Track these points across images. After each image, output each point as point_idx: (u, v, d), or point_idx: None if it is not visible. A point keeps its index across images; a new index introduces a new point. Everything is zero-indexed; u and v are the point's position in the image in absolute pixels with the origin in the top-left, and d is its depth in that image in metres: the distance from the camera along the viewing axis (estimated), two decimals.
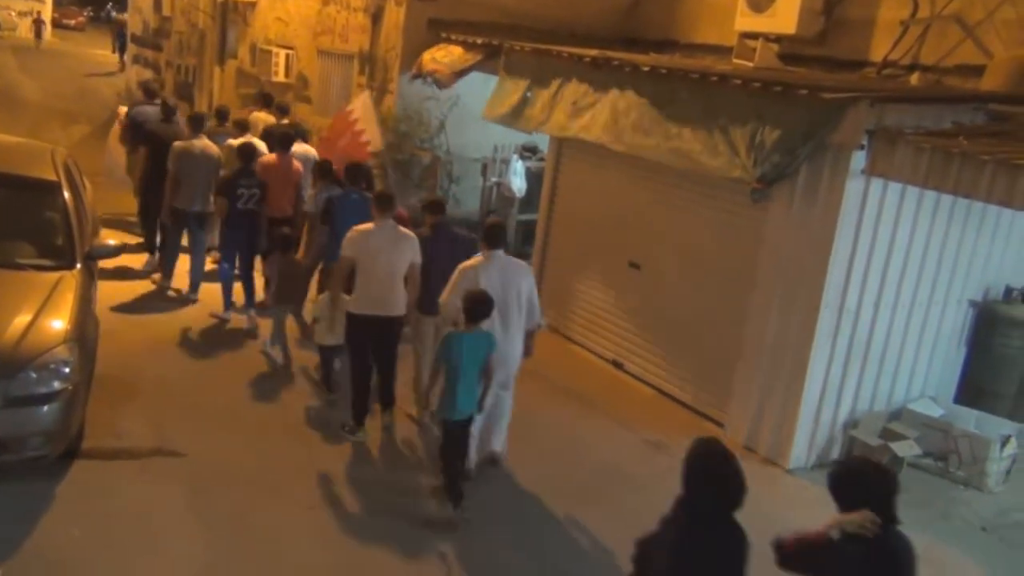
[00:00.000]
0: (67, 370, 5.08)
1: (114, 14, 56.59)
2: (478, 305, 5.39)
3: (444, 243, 6.45)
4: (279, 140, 8.75)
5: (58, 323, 5.25)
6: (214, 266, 9.06)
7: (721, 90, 6.77)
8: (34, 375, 4.96)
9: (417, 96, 10.80)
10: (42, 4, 39.01)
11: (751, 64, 8.88)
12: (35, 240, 6.03)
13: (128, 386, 6.77)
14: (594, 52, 8.17)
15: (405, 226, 6.26)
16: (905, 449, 6.75)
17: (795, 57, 8.90)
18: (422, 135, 10.84)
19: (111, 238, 6.78)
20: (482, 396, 5.50)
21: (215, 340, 7.97)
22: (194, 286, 8.85)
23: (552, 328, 9.01)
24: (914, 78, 7.95)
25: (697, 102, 6.94)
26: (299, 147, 9.31)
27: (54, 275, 5.66)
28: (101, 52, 32.86)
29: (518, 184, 10.41)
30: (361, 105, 9.95)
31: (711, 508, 3.33)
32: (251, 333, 8.08)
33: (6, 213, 6.21)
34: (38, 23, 37.09)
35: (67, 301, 5.45)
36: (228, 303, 8.37)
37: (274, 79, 13.66)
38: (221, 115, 10.47)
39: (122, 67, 26.85)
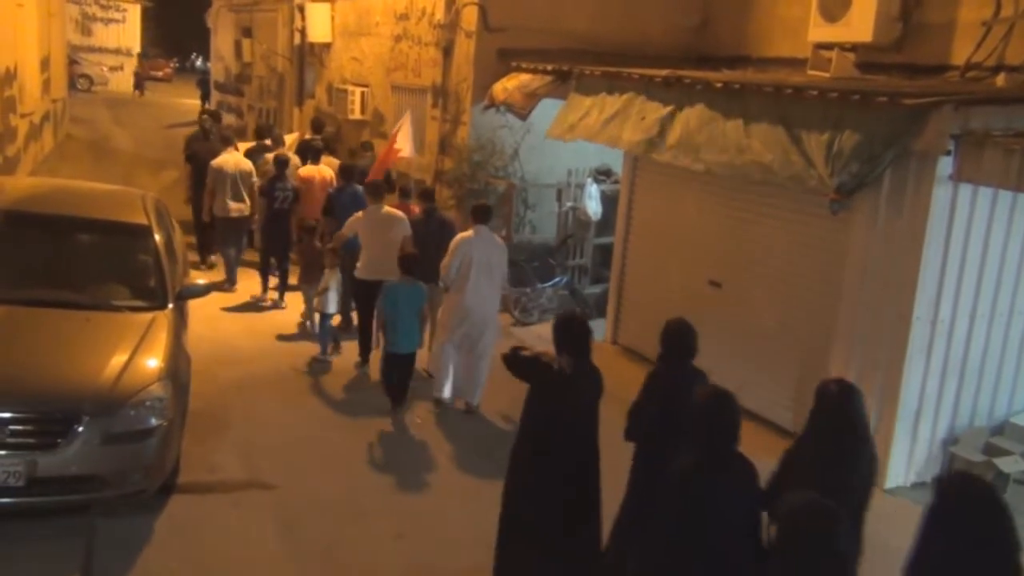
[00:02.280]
0: (163, 406, 5.25)
1: (198, 63, 58.87)
2: (410, 262, 7.26)
3: (434, 225, 8.25)
4: (310, 153, 11.01)
5: (153, 362, 5.43)
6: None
7: (796, 102, 6.66)
8: (132, 412, 5.14)
9: (489, 125, 10.90)
10: (131, 57, 40.80)
11: (827, 75, 8.71)
12: (129, 282, 6.26)
13: (219, 420, 6.96)
14: (665, 72, 8.13)
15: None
16: (1010, 465, 6.46)
17: (873, 65, 8.70)
18: (496, 164, 10.92)
19: (200, 277, 7.01)
20: (421, 335, 7.34)
21: (294, 374, 8.17)
22: (231, 280, 10.62)
23: (630, 349, 8.93)
24: (1000, 79, 7.68)
25: (771, 115, 6.84)
26: (325, 159, 11.02)
27: (147, 315, 5.87)
28: (188, 101, 34.21)
29: (594, 208, 10.39)
30: (403, 120, 11.08)
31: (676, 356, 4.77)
32: (277, 306, 10.03)
33: (102, 257, 6.48)
34: (138, 77, 38.81)
35: (160, 340, 5.64)
36: (265, 287, 10.23)
37: (351, 117, 13.97)
38: (261, 133, 12.61)
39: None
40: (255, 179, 10.58)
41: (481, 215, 7.57)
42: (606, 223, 10.41)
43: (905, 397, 6.40)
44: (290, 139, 12.76)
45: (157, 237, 6.51)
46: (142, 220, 6.65)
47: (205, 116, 12.28)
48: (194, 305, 6.99)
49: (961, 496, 3.18)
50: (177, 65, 56.40)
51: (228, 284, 10.52)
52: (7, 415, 4.93)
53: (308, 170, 10.65)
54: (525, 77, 10.36)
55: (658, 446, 4.56)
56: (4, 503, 4.92)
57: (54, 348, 5.41)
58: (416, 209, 8.58)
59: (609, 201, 10.36)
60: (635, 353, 8.94)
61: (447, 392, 7.59)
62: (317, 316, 8.61)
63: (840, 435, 3.99)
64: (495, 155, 10.91)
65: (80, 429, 4.98)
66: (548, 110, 10.19)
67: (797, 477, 3.91)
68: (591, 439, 4.67)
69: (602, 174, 10.98)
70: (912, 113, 5.95)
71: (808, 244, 7.15)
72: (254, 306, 10.01)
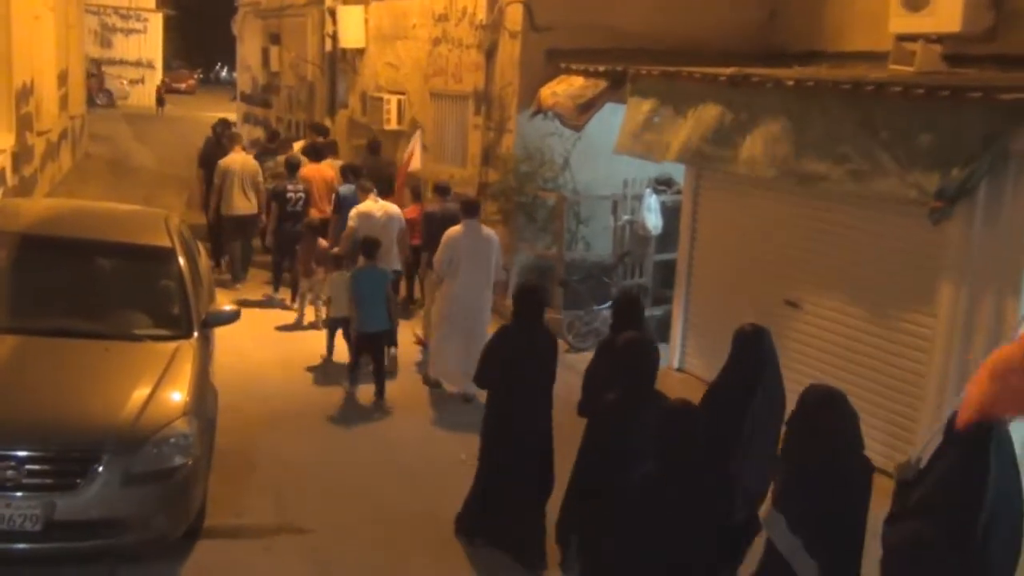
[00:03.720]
0: (188, 444, 5.29)
1: (223, 74, 59.97)
2: (371, 247, 8.62)
3: (449, 218, 9.26)
4: (315, 153, 12.26)
5: (177, 395, 5.48)
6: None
7: (879, 100, 6.55)
8: (155, 451, 5.18)
9: (537, 133, 10.92)
10: (153, 70, 41.72)
11: (911, 69, 8.57)
12: (151, 309, 6.35)
13: (248, 459, 7.02)
14: (730, 70, 8.06)
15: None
16: None
17: (962, 57, 8.54)
18: (545, 175, 10.93)
19: (227, 303, 7.09)
20: (390, 315, 8.60)
21: (326, 409, 8.24)
22: (236, 276, 11.82)
23: (698, 377, 8.82)
24: None
25: (851, 116, 6.74)
26: (328, 161, 12.17)
27: (171, 345, 5.93)
28: (212, 115, 34.96)
29: (653, 221, 10.32)
30: (414, 140, 12.58)
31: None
32: (287, 307, 10.97)
33: (122, 282, 6.59)
34: (160, 92, 39.64)
35: (185, 372, 5.69)
36: (277, 286, 11.36)
37: (386, 127, 14.10)
38: (271, 138, 14.20)
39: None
40: (261, 179, 11.81)
41: (469, 210, 8.72)
42: (667, 238, 10.33)
43: None
44: (297, 146, 13.59)
45: (181, 261, 6.60)
46: (165, 242, 6.74)
47: (216, 123, 13.72)
48: (220, 333, 7.06)
49: (812, 401, 4.19)
50: (201, 76, 57.51)
51: (233, 280, 11.71)
52: (22, 454, 4.99)
53: (309, 170, 11.72)
54: (576, 80, 10.36)
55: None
56: (19, 549, 4.97)
57: (72, 381, 5.48)
58: (416, 209, 10.35)
59: (670, 213, 10.28)
60: (703, 382, 8.81)
61: (442, 374, 8.69)
62: (312, 310, 10.27)
63: (754, 370, 5.05)
64: (544, 165, 10.91)
65: (100, 469, 5.02)
66: (600, 115, 10.19)
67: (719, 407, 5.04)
68: (546, 402, 5.92)
69: (662, 184, 10.91)
70: (1009, 109, 5.81)
71: (896, 258, 7.00)
72: (285, 331, 10.21)
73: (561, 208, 10.70)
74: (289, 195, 11.16)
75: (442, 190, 10.17)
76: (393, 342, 9.22)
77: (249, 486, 6.63)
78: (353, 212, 9.72)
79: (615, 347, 5.22)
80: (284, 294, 11.23)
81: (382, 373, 8.58)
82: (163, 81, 41.58)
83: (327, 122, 16.95)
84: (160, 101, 38.84)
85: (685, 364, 9.25)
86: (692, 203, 9.24)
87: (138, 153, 24.61)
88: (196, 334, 6.15)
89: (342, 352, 9.09)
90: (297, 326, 10.46)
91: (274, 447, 7.32)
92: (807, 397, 4.23)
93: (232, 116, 24.83)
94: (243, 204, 11.76)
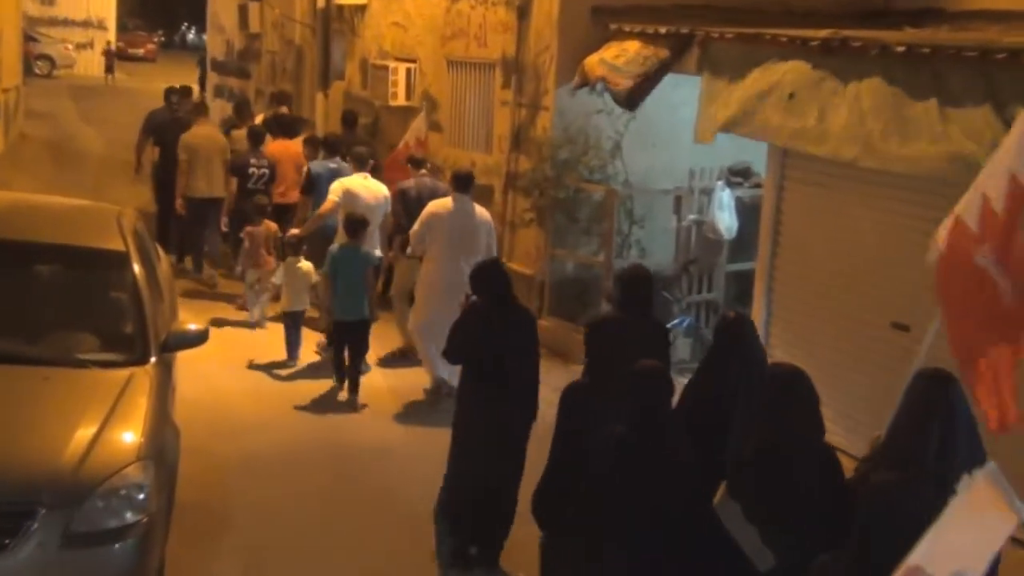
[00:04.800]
0: (142, 496, 5.30)
1: (191, 36, 60.51)
2: (356, 225, 9.29)
3: (426, 194, 9.96)
4: (281, 127, 12.90)
5: (129, 436, 5.51)
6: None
7: (1010, 69, 6.52)
8: (101, 504, 5.19)
9: (582, 111, 10.94)
10: (104, 31, 42.19)
11: None
12: (99, 328, 6.39)
13: (216, 515, 7.05)
14: (824, 32, 8.06)
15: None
16: None
17: None
18: (590, 163, 10.94)
19: (193, 321, 7.14)
20: (370, 304, 9.30)
21: (313, 447, 8.33)
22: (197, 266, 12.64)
23: None
24: None
25: (976, 90, 6.71)
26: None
27: (123, 373, 5.96)
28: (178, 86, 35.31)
29: (726, 222, 10.30)
30: (419, 119, 12.91)
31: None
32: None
33: (63, 295, 6.65)
34: (109, 56, 40.04)
35: (139, 407, 5.71)
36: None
37: (392, 103, 14.17)
38: (238, 110, 14.78)
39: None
40: (230, 158, 12.50)
41: (462, 184, 9.34)
42: (743, 242, 10.31)
43: None
44: (259, 118, 14.31)
45: (136, 268, 6.63)
46: (117, 245, 6.78)
47: (170, 90, 14.45)
48: (184, 357, 7.11)
49: (771, 382, 4.90)
50: (163, 40, 58.02)
51: (196, 272, 12.56)
52: None
53: (276, 146, 12.49)
54: (629, 46, 10.37)
55: None
56: None
57: (1, 417, 5.49)
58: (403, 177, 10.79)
59: (748, 212, 10.26)
60: None
61: (444, 372, 9.00)
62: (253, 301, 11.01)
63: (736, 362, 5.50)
64: (589, 151, 10.93)
65: (34, 527, 5.04)
66: (659, 88, 10.18)
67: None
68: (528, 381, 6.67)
69: (737, 175, 10.89)
70: None
71: None
72: (261, 357, 10.30)
73: (611, 205, 10.71)
74: (251, 170, 11.88)
75: (416, 162, 10.80)
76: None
77: (218, 548, 6.66)
78: (336, 185, 10.25)
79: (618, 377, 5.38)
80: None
81: (358, 369, 9.33)
82: (111, 44, 41.93)
83: (319, 97, 17.06)
84: (109, 68, 39.19)
85: None
86: (775, 199, 9.21)
87: (84, 134, 24.87)
88: (154, 359, 6.17)
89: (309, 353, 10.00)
90: (247, 324, 11.09)
91: (249, 498, 7.35)
92: (766, 377, 4.89)
93: (196, 88, 25.06)
94: (211, 185, 12.44)
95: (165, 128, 13.35)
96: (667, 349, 6.37)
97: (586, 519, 4.90)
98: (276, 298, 10.66)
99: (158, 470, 5.50)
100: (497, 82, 12.27)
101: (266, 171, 12.02)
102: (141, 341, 6.25)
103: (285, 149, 12.52)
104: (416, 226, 9.32)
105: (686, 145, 10.61)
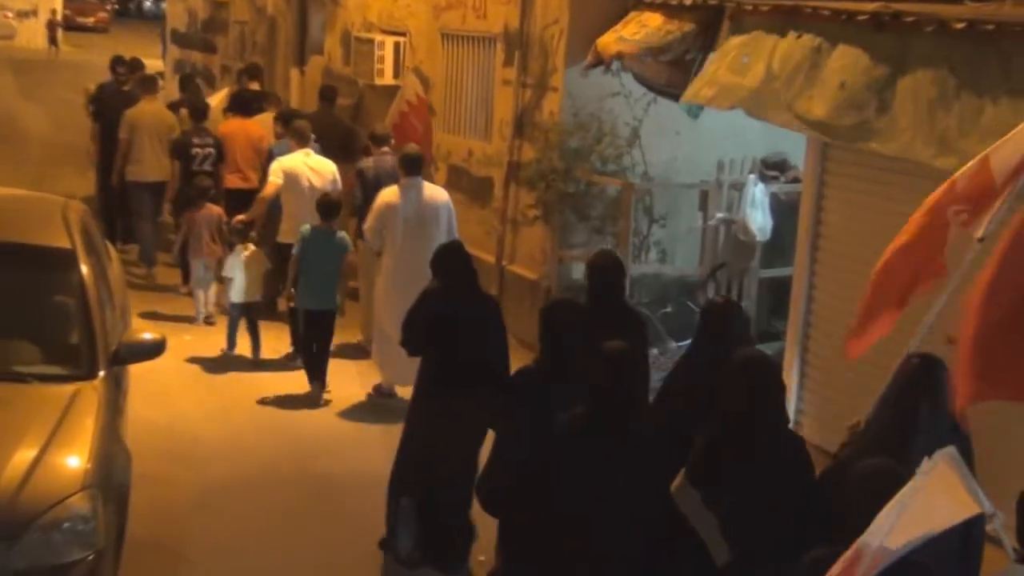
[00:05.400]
0: (88, 530, 5.28)
1: (148, 2, 60.57)
2: (330, 207, 9.85)
3: (386, 174, 10.42)
4: (238, 104, 13.09)
5: (74, 461, 5.50)
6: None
7: None
8: (41, 539, 5.17)
9: (595, 94, 10.94)
10: None
11: None
12: (40, 338, 6.39)
13: (171, 553, 7.02)
14: (873, 5, 8.04)
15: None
16: None
17: None
18: (604, 152, 10.93)
19: (148, 329, 7.12)
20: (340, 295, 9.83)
21: (285, 474, 8.35)
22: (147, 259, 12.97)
23: (817, 446, 8.75)
24: None
25: None
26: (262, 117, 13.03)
27: (67, 388, 5.95)
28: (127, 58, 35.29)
29: (759, 221, 10.29)
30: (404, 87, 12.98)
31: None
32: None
33: (1, 299, 6.58)
34: (53, 26, 40.08)
35: (86, 427, 5.70)
36: (187, 275, 12.06)
37: (378, 81, 14.19)
38: (184, 85, 15.46)
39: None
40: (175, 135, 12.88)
41: (411, 166, 9.73)
42: (779, 245, 10.29)
43: None
44: (218, 96, 14.69)
45: (84, 269, 6.62)
46: (62, 242, 6.78)
47: (117, 60, 14.93)
48: (137, 371, 7.10)
49: (736, 363, 5.31)
50: (117, 8, 58.09)
51: (144, 262, 12.91)
52: None
53: (231, 125, 12.84)
54: (651, 19, 10.35)
55: None
56: None
57: None
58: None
59: (784, 210, 10.25)
60: (824, 452, 8.75)
61: (400, 377, 9.44)
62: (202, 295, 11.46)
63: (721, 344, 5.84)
64: (603, 139, 10.92)
65: None
66: (686, 67, 10.17)
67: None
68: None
69: (772, 168, 10.88)
70: None
71: None
72: (222, 365, 10.52)
73: (628, 200, 10.69)
74: (194, 150, 12.21)
75: (379, 138, 11.20)
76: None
77: None
78: (275, 166, 10.75)
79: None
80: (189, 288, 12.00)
81: (325, 361, 9.85)
82: (56, 12, 41.95)
83: (295, 73, 17.06)
84: (53, 39, 39.24)
85: (801, 425, 9.18)
86: (815, 196, 9.19)
87: (25, 113, 24.87)
88: (103, 373, 6.16)
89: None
90: (195, 320, 11.54)
91: (211, 533, 7.33)
92: (732, 358, 5.30)
93: (158, 63, 25.08)
94: (157, 168, 12.79)
95: (110, 103, 13.61)
96: (643, 338, 6.92)
97: (540, 509, 5.28)
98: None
99: (106, 500, 5.49)
100: (498, 59, 12.27)
101: (211, 151, 12.26)
102: (88, 352, 6.23)
103: (241, 128, 12.68)
104: (369, 220, 9.71)
105: (714, 133, 10.62)
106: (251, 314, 10.69)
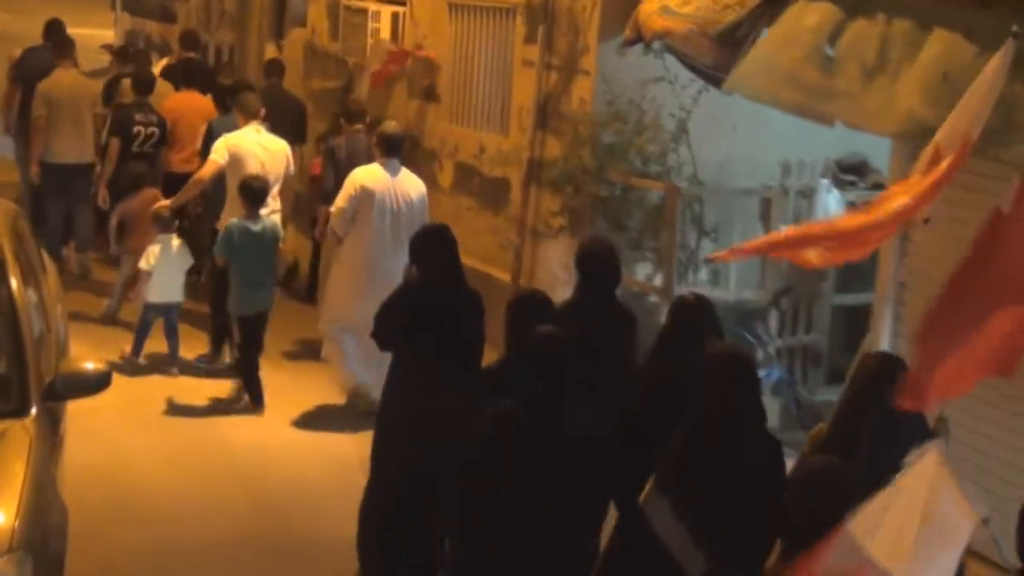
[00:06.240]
0: None
1: None
2: (256, 192, 10.18)
3: (358, 153, 11.00)
4: (186, 75, 13.66)
5: None
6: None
7: None
8: None
9: (634, 78, 10.92)
10: None
11: None
12: None
13: None
14: None
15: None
16: None
17: None
18: (646, 149, 10.91)
19: (88, 358, 7.08)
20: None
21: (246, 535, 8.36)
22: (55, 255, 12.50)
23: None
24: None
25: None
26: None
27: None
28: (78, 32, 35.41)
29: None
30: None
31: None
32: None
33: None
34: None
35: (14, 476, 5.69)
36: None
37: (372, 62, 14.15)
38: (123, 55, 15.51)
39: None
40: (101, 111, 13.28)
41: (392, 146, 10.21)
42: (856, 265, 10.18)
43: None
44: (158, 67, 15.10)
45: (14, 283, 6.66)
46: None
47: (54, 25, 15.19)
48: (76, 409, 7.13)
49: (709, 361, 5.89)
50: None
51: (54, 257, 12.04)
52: None
53: (177, 100, 13.35)
54: None
55: None
56: None
57: None
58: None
59: None
60: None
61: (363, 376, 10.06)
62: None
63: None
64: (644, 133, 10.90)
65: None
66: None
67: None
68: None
69: (849, 171, 10.86)
70: None
71: None
72: (169, 394, 10.59)
73: (673, 208, 10.65)
74: (137, 128, 12.56)
75: (352, 114, 11.86)
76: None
77: None
78: (220, 143, 10.99)
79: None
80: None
81: (254, 366, 10.33)
82: None
83: (271, 49, 17.04)
84: None
85: None
86: None
87: None
88: (35, 410, 6.18)
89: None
90: (109, 319, 12.03)
91: None
92: (706, 355, 5.86)
93: (108, 35, 25.08)
94: (74, 147, 12.97)
95: (39, 74, 13.64)
96: (632, 336, 7.52)
97: (468, 515, 5.80)
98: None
99: (37, 564, 5.47)
100: (518, 35, 12.26)
101: (155, 130, 12.62)
102: (18, 385, 6.26)
103: (190, 103, 13.03)
104: (341, 202, 10.20)
105: (778, 129, 10.58)
106: (171, 317, 11.05)
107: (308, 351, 11.65)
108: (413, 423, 7.37)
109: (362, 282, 10.04)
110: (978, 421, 8.20)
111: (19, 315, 6.50)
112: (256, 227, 10.19)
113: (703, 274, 11.02)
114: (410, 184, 10.35)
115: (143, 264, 10.90)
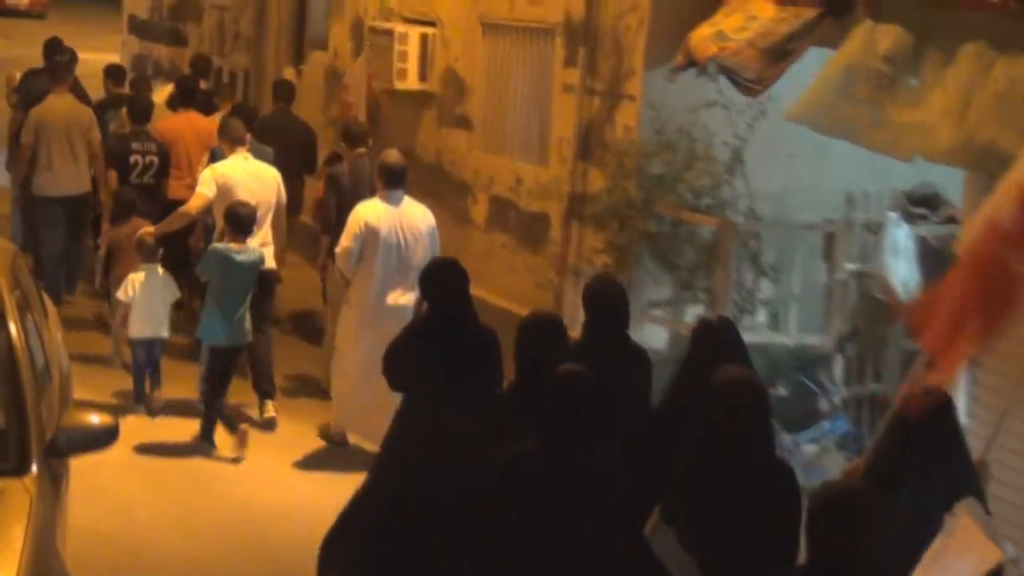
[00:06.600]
0: None
1: None
2: (241, 219, 10.32)
3: (364, 182, 11.19)
4: (183, 94, 13.65)
5: None
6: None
7: None
8: None
9: (684, 103, 10.90)
10: None
11: None
12: None
13: None
14: None
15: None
16: None
17: None
18: (697, 181, 10.87)
19: (93, 412, 7.04)
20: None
21: None
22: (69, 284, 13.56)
23: None
24: None
25: None
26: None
27: None
28: (86, 57, 35.62)
29: (903, 274, 10.19)
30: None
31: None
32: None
33: None
34: None
35: (13, 539, 5.61)
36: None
37: (399, 86, 14.21)
38: (112, 75, 15.92)
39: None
40: (97, 137, 13.32)
41: (394, 177, 10.37)
42: None
43: None
44: (163, 92, 15.20)
45: (13, 329, 6.64)
46: None
47: (53, 45, 15.36)
48: (80, 466, 7.09)
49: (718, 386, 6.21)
50: None
51: (54, 298, 12.20)
52: None
53: (173, 123, 13.42)
54: (760, 7, 10.31)
55: None
56: None
57: None
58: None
59: (936, 260, 10.13)
60: None
61: (357, 428, 10.38)
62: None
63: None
64: (695, 164, 10.87)
65: None
66: (800, 71, 10.06)
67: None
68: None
69: (919, 203, 10.80)
70: None
71: None
72: (175, 447, 10.57)
73: (727, 245, 10.60)
74: (134, 158, 12.53)
75: (354, 137, 11.90)
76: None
77: None
78: (207, 174, 11.23)
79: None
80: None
81: (218, 401, 10.50)
82: None
83: (289, 74, 17.10)
84: None
85: None
86: None
87: None
88: (36, 468, 6.13)
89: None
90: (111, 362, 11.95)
91: None
92: (714, 379, 6.13)
93: (113, 58, 25.24)
94: (68, 178, 13.09)
95: (37, 99, 13.79)
96: (646, 376, 7.79)
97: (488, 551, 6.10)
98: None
99: None
100: (557, 57, 12.27)
101: (154, 159, 12.70)
102: (18, 441, 6.20)
103: (189, 124, 13.10)
104: (346, 241, 10.30)
105: (842, 157, 10.53)
106: (152, 352, 11.15)
107: (305, 387, 11.90)
108: (423, 449, 7.56)
109: (370, 322, 10.14)
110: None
111: (19, 365, 6.46)
112: (239, 256, 10.41)
113: (760, 316, 10.95)
114: (417, 215, 10.49)
115: (121, 295, 11.01)
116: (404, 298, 10.09)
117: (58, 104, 13.30)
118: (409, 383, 7.85)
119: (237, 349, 10.62)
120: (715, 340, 7.15)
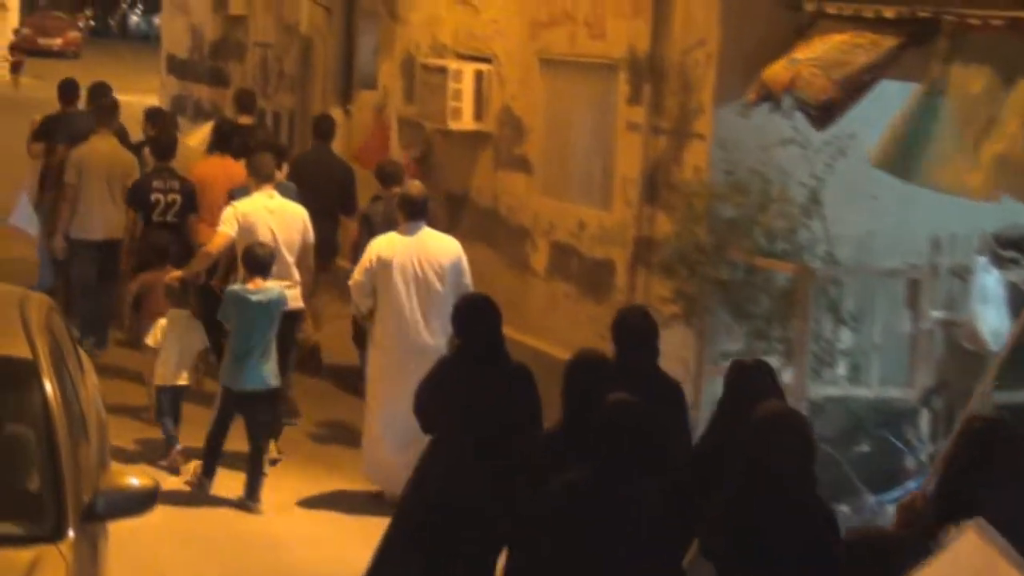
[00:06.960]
0: None
1: (135, 18, 61.80)
2: (259, 258, 10.65)
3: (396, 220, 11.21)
4: (219, 139, 13.96)
5: None
6: None
7: None
8: None
9: (757, 142, 10.93)
10: (4, 13, 43.29)
11: None
12: None
13: None
14: None
15: None
16: None
17: None
18: (772, 225, 10.87)
19: (132, 473, 7.12)
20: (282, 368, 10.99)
21: None
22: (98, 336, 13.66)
23: None
24: None
25: None
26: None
27: (24, 554, 5.93)
28: (126, 100, 35.78)
29: (993, 323, 10.18)
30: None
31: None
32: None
33: None
34: (17, 49, 41.13)
35: None
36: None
37: (453, 126, 14.31)
38: (153, 119, 15.98)
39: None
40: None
41: (415, 209, 10.73)
42: (1022, 357, 10.16)
43: None
44: (200, 133, 15.75)
45: (48, 387, 6.65)
46: (19, 351, 6.83)
47: (100, 88, 15.68)
48: (119, 531, 7.15)
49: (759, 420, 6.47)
50: (93, 25, 59.50)
51: (96, 345, 12.97)
52: None
53: (208, 165, 13.74)
54: (839, 39, 10.35)
55: None
56: None
57: None
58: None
59: None
60: None
61: (385, 481, 10.53)
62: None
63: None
64: (770, 206, 10.86)
65: None
66: (880, 105, 10.10)
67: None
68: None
69: (1010, 246, 10.77)
70: None
71: None
72: (217, 507, 10.62)
73: (805, 292, 10.60)
74: (155, 196, 13.03)
75: (388, 176, 12.36)
76: (278, 413, 11.43)
77: None
78: (229, 212, 11.48)
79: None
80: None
81: (260, 458, 10.64)
82: (19, 32, 43.00)
83: (336, 113, 17.24)
84: (15, 67, 40.26)
85: None
86: None
87: None
88: (72, 534, 6.14)
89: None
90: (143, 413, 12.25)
91: None
92: (755, 414, 6.40)
93: (151, 100, 25.50)
94: (108, 223, 13.41)
95: (66, 140, 14.21)
96: (680, 409, 8.21)
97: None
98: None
99: None
100: (621, 94, 12.34)
101: (176, 197, 12.92)
102: (54, 504, 6.23)
103: (223, 169, 13.24)
104: (357, 275, 10.79)
105: (927, 198, 10.51)
106: (175, 401, 11.39)
107: (338, 434, 12.20)
108: (447, 492, 8.00)
109: (395, 362, 10.39)
110: None
111: (55, 425, 6.46)
112: (255, 296, 10.63)
113: (840, 368, 10.94)
114: (438, 247, 10.75)
115: (149, 340, 11.29)
116: (430, 336, 10.41)
117: (101, 146, 13.65)
118: (439, 424, 8.23)
119: (261, 394, 10.74)
120: (748, 382, 7.47)
